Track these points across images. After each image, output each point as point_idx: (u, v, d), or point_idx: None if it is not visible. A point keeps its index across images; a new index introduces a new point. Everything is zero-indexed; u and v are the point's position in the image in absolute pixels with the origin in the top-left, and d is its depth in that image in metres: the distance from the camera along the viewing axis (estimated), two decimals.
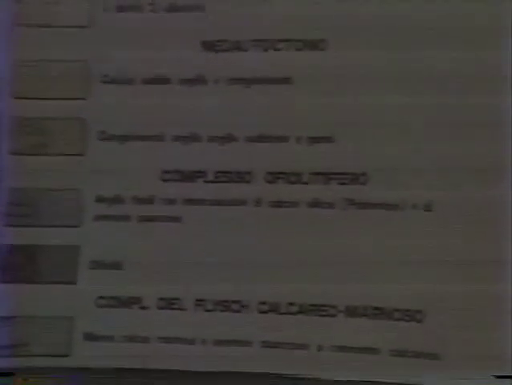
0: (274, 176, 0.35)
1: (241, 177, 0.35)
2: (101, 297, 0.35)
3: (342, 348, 0.34)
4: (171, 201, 0.36)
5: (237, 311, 0.35)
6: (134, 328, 0.35)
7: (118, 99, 0.36)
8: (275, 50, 0.36)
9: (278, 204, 0.35)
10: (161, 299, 0.35)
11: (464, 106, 0.34)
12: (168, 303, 0.35)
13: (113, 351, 0.35)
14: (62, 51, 0.36)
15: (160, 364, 0.34)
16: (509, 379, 0.33)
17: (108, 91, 0.36)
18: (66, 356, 0.35)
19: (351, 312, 0.34)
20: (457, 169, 0.34)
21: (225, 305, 0.35)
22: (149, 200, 0.36)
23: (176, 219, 0.35)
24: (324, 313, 0.34)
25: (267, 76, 0.36)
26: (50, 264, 0.35)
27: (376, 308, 0.34)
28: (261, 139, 0.35)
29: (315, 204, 0.35)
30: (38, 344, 0.35)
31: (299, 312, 0.34)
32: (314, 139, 0.35)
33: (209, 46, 0.36)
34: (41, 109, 0.36)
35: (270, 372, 0.34)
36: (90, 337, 0.35)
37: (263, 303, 0.35)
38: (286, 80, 0.36)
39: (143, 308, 0.35)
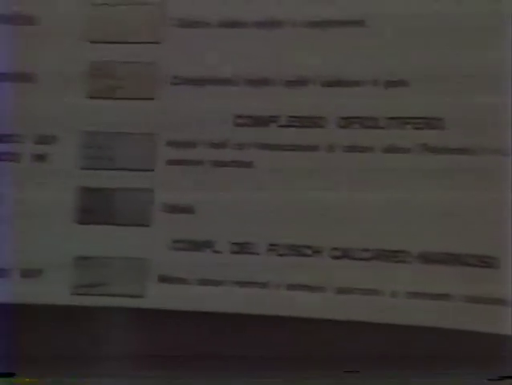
0: (348, 121, 0.35)
1: (315, 122, 0.35)
2: (175, 241, 0.35)
3: (416, 294, 0.34)
4: (243, 146, 0.35)
5: (310, 256, 0.35)
6: (207, 271, 0.35)
7: (191, 43, 0.36)
8: None
9: (352, 149, 0.35)
10: (234, 244, 0.35)
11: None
12: (241, 247, 0.35)
13: (186, 294, 0.35)
14: None
15: (233, 308, 0.35)
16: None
17: (182, 35, 0.36)
18: (140, 297, 0.35)
19: (426, 258, 0.34)
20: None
21: (297, 250, 0.35)
22: (222, 145, 0.36)
23: (248, 164, 0.35)
24: (398, 259, 0.34)
25: (343, 19, 0.35)
26: (124, 206, 0.36)
27: (451, 254, 0.34)
28: (335, 83, 0.35)
29: (390, 149, 0.34)
30: (114, 284, 0.35)
31: (373, 258, 0.34)
32: (390, 83, 0.35)
33: None
34: (115, 53, 0.36)
35: (344, 319, 0.34)
36: (164, 279, 0.35)
37: (336, 249, 0.34)
38: (361, 23, 0.35)
39: (216, 252, 0.35)
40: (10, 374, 0.35)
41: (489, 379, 0.33)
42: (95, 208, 0.36)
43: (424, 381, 0.34)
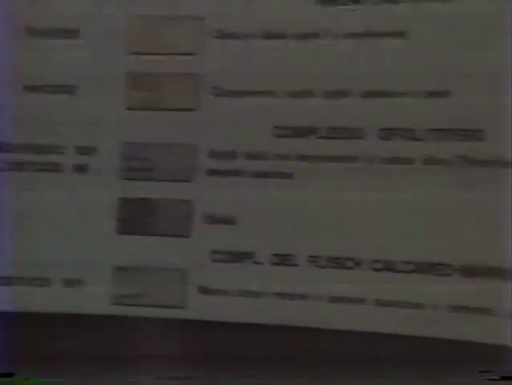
0: (388, 133, 0.35)
1: (355, 133, 0.35)
2: (215, 252, 0.36)
3: (458, 308, 0.34)
4: (283, 157, 0.35)
5: (351, 268, 0.35)
6: (248, 283, 0.35)
7: (232, 54, 0.36)
8: (392, 2, 0.35)
9: (392, 160, 0.35)
10: (274, 255, 0.35)
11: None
12: (281, 259, 0.35)
13: (227, 305, 0.35)
14: (177, 7, 0.36)
15: (273, 319, 0.35)
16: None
17: (222, 47, 0.36)
18: (181, 308, 0.35)
19: (467, 271, 0.34)
20: None
21: (338, 262, 0.35)
22: (262, 156, 0.36)
23: (288, 175, 0.35)
24: (440, 272, 0.34)
25: (383, 30, 0.35)
26: (164, 217, 0.36)
27: (493, 268, 0.33)
28: (375, 94, 0.35)
29: (430, 161, 0.34)
30: (153, 295, 0.36)
31: (414, 270, 0.34)
32: (430, 94, 0.34)
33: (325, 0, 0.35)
34: (155, 64, 0.36)
35: (384, 332, 0.34)
36: (204, 290, 0.35)
37: (377, 261, 0.34)
38: (401, 34, 0.35)
39: (256, 263, 0.35)
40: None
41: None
42: (136, 218, 0.36)
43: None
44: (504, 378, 0.33)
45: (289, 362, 0.34)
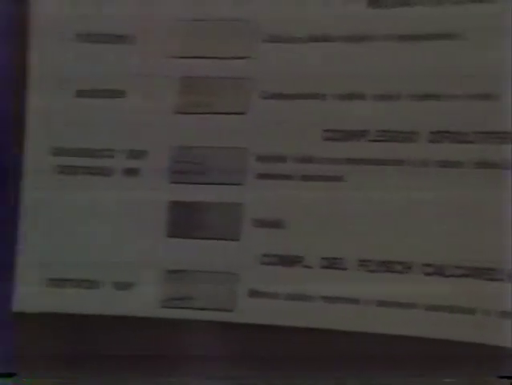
0: (439, 136, 0.34)
1: (406, 137, 0.35)
2: (265, 255, 0.36)
3: (509, 314, 0.33)
4: (333, 160, 0.35)
5: (401, 272, 0.34)
6: (297, 286, 0.35)
7: (281, 57, 0.36)
8: (443, 4, 0.34)
9: (444, 164, 0.34)
10: (324, 258, 0.35)
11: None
12: (331, 263, 0.35)
13: (277, 309, 0.35)
14: (228, 11, 0.36)
15: (323, 323, 0.35)
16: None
17: (272, 50, 0.36)
18: (230, 311, 0.35)
19: None
20: None
21: (388, 266, 0.34)
22: (311, 160, 0.36)
23: (338, 178, 0.35)
24: (491, 277, 0.33)
25: (433, 32, 0.35)
26: (214, 220, 0.36)
27: None
28: (426, 97, 0.35)
29: (481, 163, 0.34)
30: (203, 298, 0.36)
31: (465, 275, 0.34)
32: (480, 97, 0.34)
33: (375, 2, 0.35)
34: (205, 68, 0.37)
35: (434, 337, 0.33)
36: (254, 293, 0.36)
37: (428, 265, 0.34)
38: (451, 36, 0.34)
39: (306, 267, 0.35)
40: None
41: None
42: (185, 221, 0.36)
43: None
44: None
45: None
